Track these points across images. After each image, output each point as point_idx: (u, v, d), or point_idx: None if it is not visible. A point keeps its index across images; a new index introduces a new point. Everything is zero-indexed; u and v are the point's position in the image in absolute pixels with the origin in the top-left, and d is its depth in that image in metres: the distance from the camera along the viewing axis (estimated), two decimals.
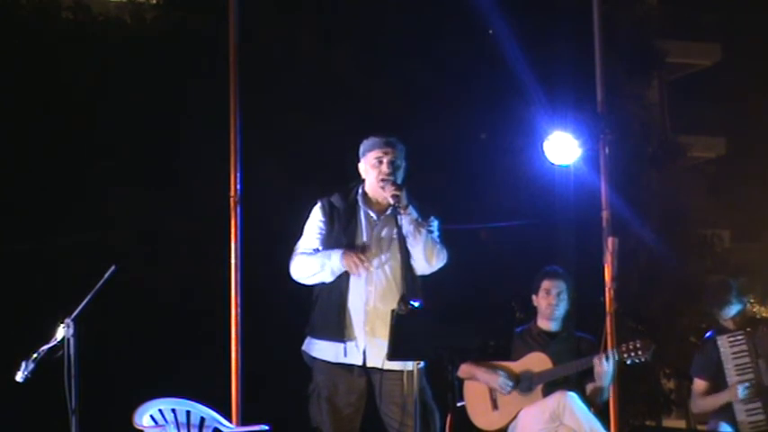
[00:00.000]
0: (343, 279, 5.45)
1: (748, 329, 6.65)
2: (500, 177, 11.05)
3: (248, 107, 7.50)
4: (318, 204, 5.64)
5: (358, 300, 5.45)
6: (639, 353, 6.28)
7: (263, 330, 8.53)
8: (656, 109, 17.48)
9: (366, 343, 5.42)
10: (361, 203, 5.60)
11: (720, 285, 6.86)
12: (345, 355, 5.43)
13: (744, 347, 6.60)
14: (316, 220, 5.61)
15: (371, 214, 5.57)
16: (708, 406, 6.78)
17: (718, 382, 6.68)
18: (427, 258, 5.46)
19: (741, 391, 6.52)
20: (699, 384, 6.79)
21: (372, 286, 5.45)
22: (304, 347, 5.62)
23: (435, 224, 5.59)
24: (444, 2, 10.85)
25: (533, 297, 6.66)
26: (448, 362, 5.14)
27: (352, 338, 5.44)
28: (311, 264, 5.50)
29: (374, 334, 5.38)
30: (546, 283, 6.57)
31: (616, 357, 6.32)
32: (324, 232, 5.57)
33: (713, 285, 6.99)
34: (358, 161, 5.68)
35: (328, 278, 5.48)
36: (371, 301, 5.43)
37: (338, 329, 5.43)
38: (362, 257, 5.38)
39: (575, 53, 10.62)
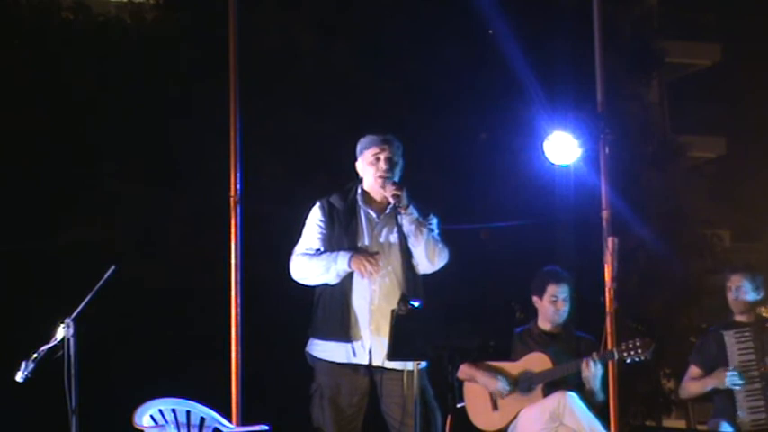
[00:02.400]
0: (346, 279, 5.44)
1: (755, 326, 6.64)
2: (500, 177, 11.06)
3: (248, 107, 7.49)
4: (317, 205, 5.63)
5: (362, 300, 5.44)
6: (639, 351, 6.26)
7: (263, 330, 8.53)
8: (656, 109, 17.50)
9: (372, 342, 5.41)
10: (360, 203, 5.59)
11: (746, 266, 6.88)
12: (355, 355, 5.43)
13: (750, 344, 6.59)
14: (315, 221, 5.60)
15: (371, 214, 5.56)
16: (694, 390, 6.79)
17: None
18: (429, 258, 5.46)
19: (729, 379, 6.51)
20: (693, 370, 6.79)
21: (376, 285, 5.44)
22: (307, 348, 5.60)
23: (435, 222, 5.58)
24: (444, 2, 10.86)
25: (534, 298, 6.62)
26: (448, 362, 5.14)
27: (357, 338, 5.42)
28: (315, 265, 5.49)
29: (379, 333, 5.36)
30: (552, 288, 6.49)
31: (606, 359, 6.34)
32: (324, 233, 5.56)
33: (740, 263, 7.01)
34: (355, 160, 5.67)
35: (333, 280, 5.47)
36: (376, 300, 5.42)
37: (343, 330, 5.42)
38: (372, 260, 5.37)
39: (575, 53, 10.63)
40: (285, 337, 6.14)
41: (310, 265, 5.49)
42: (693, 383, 6.77)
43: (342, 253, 5.42)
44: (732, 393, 6.58)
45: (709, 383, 6.64)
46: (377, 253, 5.42)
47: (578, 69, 10.24)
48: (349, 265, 5.39)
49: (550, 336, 6.53)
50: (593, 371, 6.25)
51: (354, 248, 5.45)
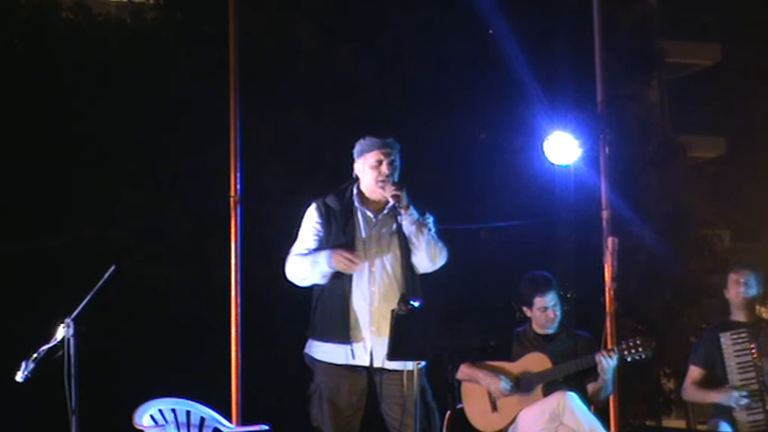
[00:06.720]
0: (345, 281, 5.42)
1: (752, 326, 6.64)
2: (500, 177, 11.07)
3: (248, 107, 7.50)
4: (313, 206, 5.60)
5: (362, 301, 5.43)
6: (640, 349, 6.27)
7: (263, 330, 8.54)
8: (656, 109, 17.50)
9: (373, 343, 5.40)
10: (357, 204, 5.57)
11: (747, 263, 6.88)
12: (354, 357, 5.42)
13: (747, 345, 6.58)
14: (312, 222, 5.57)
15: (369, 214, 5.54)
16: (698, 397, 6.82)
17: (714, 374, 6.67)
18: (431, 257, 5.45)
19: (735, 400, 6.50)
20: (694, 372, 6.77)
21: (375, 287, 5.43)
22: (306, 350, 5.59)
23: (431, 220, 5.57)
24: (444, 2, 10.86)
25: (524, 308, 6.58)
26: (448, 362, 5.14)
27: (359, 340, 5.41)
28: (302, 266, 5.47)
29: (380, 333, 5.34)
30: (539, 301, 6.47)
31: (617, 354, 6.33)
32: (321, 233, 5.53)
33: (741, 261, 7.00)
34: (353, 161, 5.65)
35: (320, 281, 5.45)
36: (376, 302, 5.41)
37: (343, 331, 5.40)
38: (349, 256, 5.34)
39: (575, 53, 10.63)
40: (285, 337, 6.14)
41: (298, 265, 5.48)
42: (697, 392, 6.76)
43: (323, 252, 5.40)
44: None
45: (714, 397, 6.64)
46: (356, 246, 5.39)
47: (578, 69, 10.24)
48: (329, 265, 5.38)
49: (546, 337, 6.53)
50: (610, 362, 6.26)
51: (351, 249, 5.44)
